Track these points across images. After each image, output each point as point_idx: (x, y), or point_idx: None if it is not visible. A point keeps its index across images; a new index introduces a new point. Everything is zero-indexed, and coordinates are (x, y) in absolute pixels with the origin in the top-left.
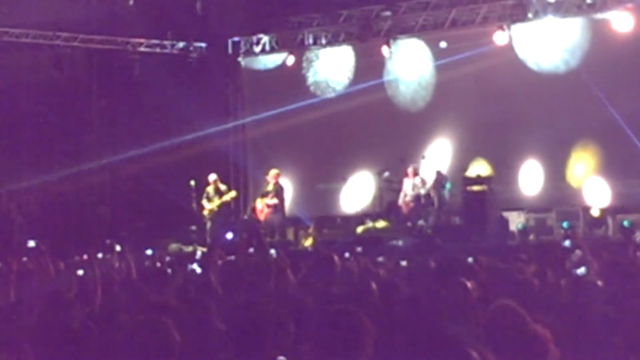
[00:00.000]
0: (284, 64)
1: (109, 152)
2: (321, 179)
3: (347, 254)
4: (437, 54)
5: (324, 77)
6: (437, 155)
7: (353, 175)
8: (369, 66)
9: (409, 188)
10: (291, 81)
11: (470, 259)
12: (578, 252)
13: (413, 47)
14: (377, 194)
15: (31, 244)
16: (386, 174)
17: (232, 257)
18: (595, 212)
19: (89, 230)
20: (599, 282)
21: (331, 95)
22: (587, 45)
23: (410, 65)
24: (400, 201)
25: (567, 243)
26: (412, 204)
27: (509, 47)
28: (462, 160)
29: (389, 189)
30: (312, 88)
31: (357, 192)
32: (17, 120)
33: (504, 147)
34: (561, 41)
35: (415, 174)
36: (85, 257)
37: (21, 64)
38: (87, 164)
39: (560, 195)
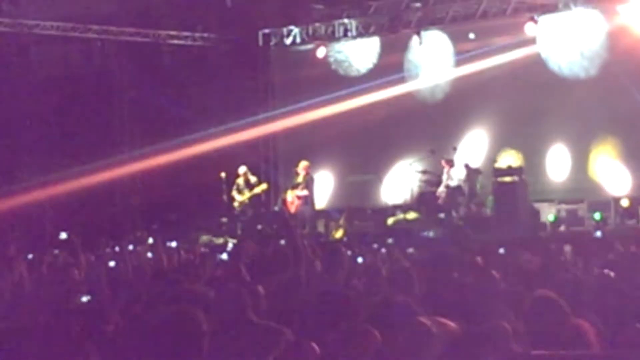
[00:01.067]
0: (313, 53)
1: (140, 144)
2: (352, 171)
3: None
4: (465, 45)
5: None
6: (468, 147)
7: (385, 167)
8: (396, 57)
9: (444, 179)
10: (322, 73)
11: (501, 250)
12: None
13: (436, 39)
14: (408, 186)
15: (63, 236)
16: (413, 163)
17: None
18: (625, 203)
19: (120, 223)
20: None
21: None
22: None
23: (432, 57)
24: (437, 192)
25: (598, 234)
26: (443, 195)
27: (535, 41)
28: (492, 152)
29: (421, 180)
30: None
31: (388, 184)
32: (48, 112)
33: (533, 138)
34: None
35: (450, 165)
36: (116, 249)
37: (52, 56)
38: (118, 156)
39: (591, 186)
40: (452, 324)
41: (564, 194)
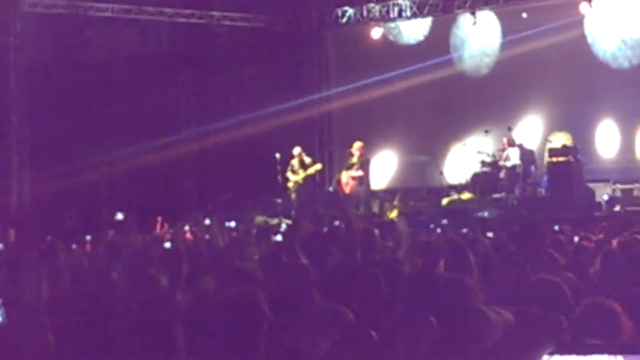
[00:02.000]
0: (368, 33)
1: (195, 125)
2: (407, 151)
3: (432, 226)
4: (518, 25)
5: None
6: (521, 128)
7: (439, 148)
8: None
9: (502, 159)
10: (376, 54)
11: (556, 227)
12: None
13: (486, 18)
14: (464, 166)
15: (119, 216)
16: (467, 143)
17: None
18: None
19: (175, 204)
20: None
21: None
22: None
23: (481, 35)
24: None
25: None
26: (502, 175)
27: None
28: (545, 132)
29: (478, 160)
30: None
31: (444, 165)
32: (102, 93)
33: (583, 118)
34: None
35: (511, 144)
36: (171, 230)
37: (107, 39)
38: (173, 136)
39: None
40: (507, 313)
41: (617, 174)
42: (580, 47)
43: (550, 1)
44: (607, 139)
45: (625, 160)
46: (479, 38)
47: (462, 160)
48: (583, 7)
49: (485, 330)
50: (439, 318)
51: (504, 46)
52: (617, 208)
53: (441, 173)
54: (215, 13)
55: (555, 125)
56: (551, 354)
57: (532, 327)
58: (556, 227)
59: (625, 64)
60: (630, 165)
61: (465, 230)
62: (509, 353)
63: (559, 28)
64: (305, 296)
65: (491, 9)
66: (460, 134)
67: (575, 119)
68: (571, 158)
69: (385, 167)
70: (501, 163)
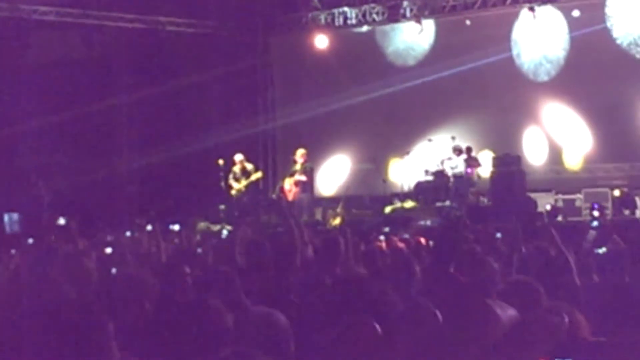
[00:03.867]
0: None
1: (137, 130)
2: (353, 159)
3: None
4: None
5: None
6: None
7: (381, 156)
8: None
9: (448, 167)
10: (322, 61)
11: (498, 235)
12: (593, 232)
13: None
14: (406, 174)
15: (61, 221)
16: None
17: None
18: (616, 193)
19: (118, 209)
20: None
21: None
22: None
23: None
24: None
25: (595, 224)
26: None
27: None
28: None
29: (422, 169)
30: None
31: (388, 173)
32: (46, 98)
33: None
34: None
35: (457, 153)
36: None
37: (51, 43)
38: (116, 143)
39: (588, 177)
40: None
41: (560, 184)
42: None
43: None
44: (535, 149)
45: (557, 171)
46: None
47: (405, 168)
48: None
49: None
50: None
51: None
52: (559, 218)
53: (384, 181)
54: (160, 18)
55: (496, 138)
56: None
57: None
58: (498, 235)
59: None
60: (569, 175)
61: (406, 236)
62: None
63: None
64: (235, 301)
65: (435, 18)
66: (405, 143)
67: (502, 130)
68: (514, 167)
69: (332, 174)
70: (446, 171)
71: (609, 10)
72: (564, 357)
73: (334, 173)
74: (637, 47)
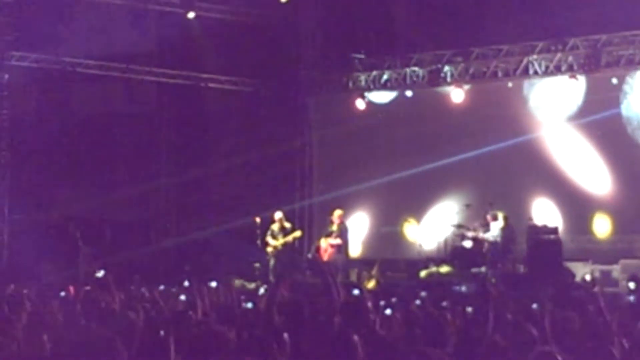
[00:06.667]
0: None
1: (177, 184)
2: (385, 221)
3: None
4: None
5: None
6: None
7: (420, 218)
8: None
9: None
10: (360, 123)
11: (534, 305)
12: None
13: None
14: (444, 239)
15: (99, 274)
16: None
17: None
18: None
19: (153, 262)
20: None
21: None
22: None
23: None
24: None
25: (631, 298)
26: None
27: None
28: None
29: (455, 234)
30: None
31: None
32: (86, 149)
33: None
34: None
35: (494, 219)
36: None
37: (92, 95)
38: (153, 196)
39: (628, 248)
40: None
41: (599, 254)
42: None
43: None
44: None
45: (609, 241)
46: None
47: (442, 232)
48: None
49: None
50: None
51: None
52: (596, 289)
53: (420, 245)
54: (201, 74)
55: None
56: None
57: None
58: (534, 306)
59: None
60: (612, 246)
61: (444, 304)
62: None
63: None
64: None
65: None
66: (442, 205)
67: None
68: (552, 236)
69: (360, 233)
70: (480, 237)
71: None
72: None
73: (356, 232)
74: None
